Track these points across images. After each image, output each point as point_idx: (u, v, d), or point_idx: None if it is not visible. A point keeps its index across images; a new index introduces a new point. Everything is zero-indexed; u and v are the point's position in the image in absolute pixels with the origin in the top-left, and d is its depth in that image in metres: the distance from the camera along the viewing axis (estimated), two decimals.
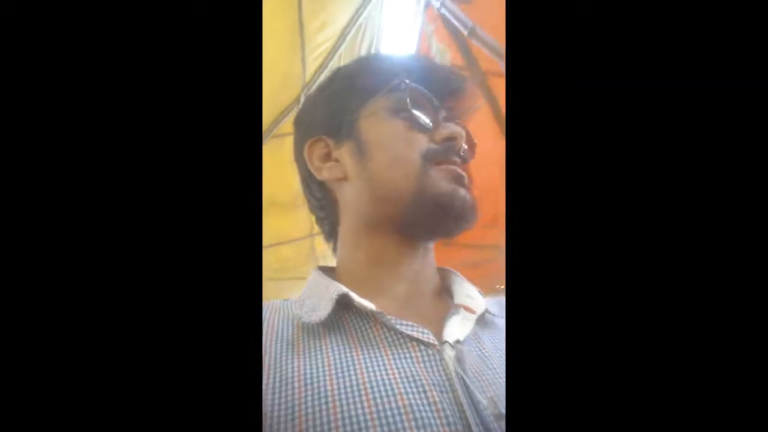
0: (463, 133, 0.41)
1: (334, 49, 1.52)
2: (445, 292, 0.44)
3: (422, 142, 0.41)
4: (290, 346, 0.33)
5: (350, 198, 0.43)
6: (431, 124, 0.42)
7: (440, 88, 0.44)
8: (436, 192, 0.38)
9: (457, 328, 0.35)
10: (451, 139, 0.41)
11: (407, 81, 0.42)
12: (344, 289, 0.35)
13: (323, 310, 0.35)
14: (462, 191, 0.39)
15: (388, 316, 0.33)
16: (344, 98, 0.45)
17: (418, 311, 0.38)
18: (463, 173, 0.40)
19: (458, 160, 0.41)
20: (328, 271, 0.45)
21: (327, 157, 0.45)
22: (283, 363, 0.32)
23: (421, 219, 0.40)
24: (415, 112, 0.41)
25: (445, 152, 0.40)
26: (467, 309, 0.39)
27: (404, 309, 0.38)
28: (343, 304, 0.35)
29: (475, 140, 0.46)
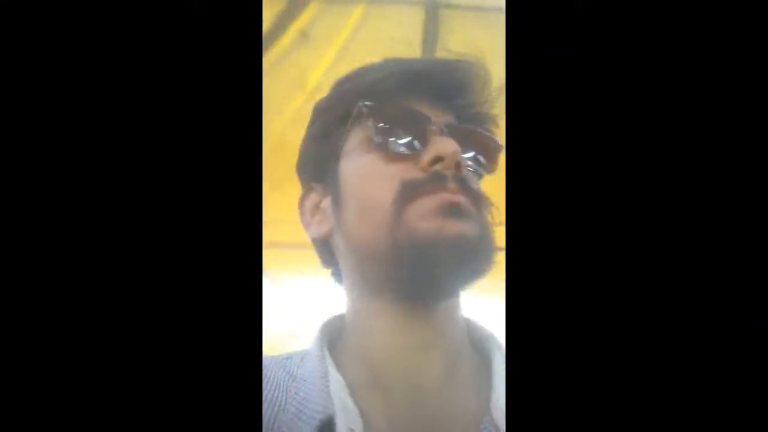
0: (455, 148, 0.32)
1: None
2: (482, 367, 0.34)
3: (400, 176, 0.32)
4: None
5: (339, 259, 0.37)
6: (416, 146, 0.33)
7: (440, 88, 0.35)
8: (415, 236, 0.29)
9: None
10: (438, 159, 0.31)
11: (367, 103, 0.33)
12: (330, 411, 0.28)
13: None
14: (455, 225, 0.29)
15: None
16: (326, 134, 0.37)
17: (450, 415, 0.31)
18: (459, 199, 0.30)
19: (452, 184, 0.31)
20: (336, 334, 0.36)
21: (316, 209, 0.38)
22: None
23: (410, 277, 0.30)
24: (390, 139, 0.33)
25: (430, 179, 0.31)
26: None
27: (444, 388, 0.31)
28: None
29: (500, 142, 0.36)
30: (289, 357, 0.36)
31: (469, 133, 0.35)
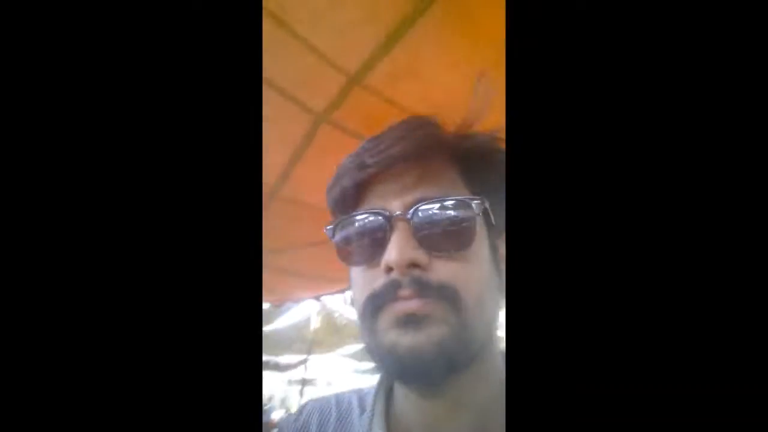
0: (402, 255, 0.31)
1: None
2: None
3: (365, 287, 0.33)
4: None
5: None
6: (376, 255, 0.33)
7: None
8: (384, 350, 0.31)
9: None
10: (389, 269, 0.31)
11: (328, 227, 0.36)
12: None
13: None
14: (408, 337, 0.29)
15: None
16: None
17: None
18: (413, 307, 0.30)
19: (407, 291, 0.30)
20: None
21: None
22: None
23: (399, 375, 0.33)
24: (356, 253, 0.34)
25: (386, 290, 0.31)
26: None
27: None
28: None
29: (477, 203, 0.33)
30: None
31: (440, 203, 0.33)
